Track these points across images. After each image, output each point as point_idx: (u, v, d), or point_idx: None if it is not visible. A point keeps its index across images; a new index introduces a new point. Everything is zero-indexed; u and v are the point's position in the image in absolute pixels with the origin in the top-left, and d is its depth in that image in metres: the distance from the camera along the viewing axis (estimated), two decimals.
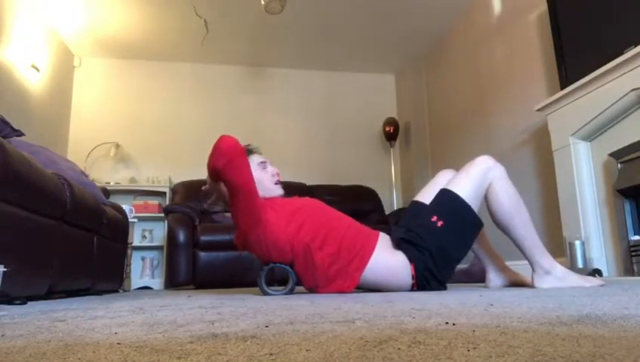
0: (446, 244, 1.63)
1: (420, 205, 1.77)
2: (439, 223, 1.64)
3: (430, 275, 1.63)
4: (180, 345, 0.53)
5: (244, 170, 1.58)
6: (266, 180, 1.80)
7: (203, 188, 1.82)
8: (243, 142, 1.67)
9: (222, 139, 1.57)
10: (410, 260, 1.64)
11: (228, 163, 1.54)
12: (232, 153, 1.55)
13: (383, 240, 1.73)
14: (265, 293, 1.70)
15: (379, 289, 1.72)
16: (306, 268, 1.68)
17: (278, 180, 1.85)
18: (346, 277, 1.66)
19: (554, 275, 1.60)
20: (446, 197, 1.68)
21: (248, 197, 1.61)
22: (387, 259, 1.67)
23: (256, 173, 1.76)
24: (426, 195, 1.77)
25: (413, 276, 1.64)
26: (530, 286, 1.67)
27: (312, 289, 1.76)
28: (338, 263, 1.65)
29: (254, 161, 1.82)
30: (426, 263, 1.62)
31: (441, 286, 1.68)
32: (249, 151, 1.85)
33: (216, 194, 1.78)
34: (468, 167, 1.71)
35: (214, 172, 1.60)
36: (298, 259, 1.68)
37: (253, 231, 1.66)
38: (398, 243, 1.69)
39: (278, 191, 1.83)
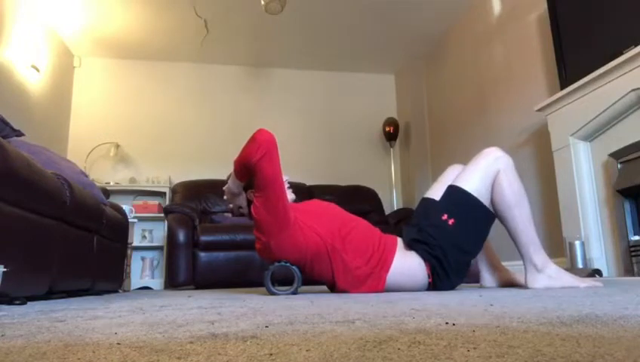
0: (459, 242, 1.63)
1: (429, 202, 1.75)
2: (450, 221, 1.63)
3: (445, 274, 1.63)
4: (179, 345, 0.53)
5: (278, 163, 1.61)
6: None
7: (225, 188, 1.81)
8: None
9: (260, 131, 1.59)
10: (425, 260, 1.65)
11: (265, 155, 1.56)
12: (271, 145, 1.57)
13: (400, 242, 1.75)
14: (271, 293, 1.70)
15: (399, 291, 1.72)
16: (330, 269, 1.68)
17: (289, 186, 1.86)
18: (374, 278, 1.67)
19: (546, 274, 1.58)
20: (454, 193, 1.67)
21: (279, 192, 1.62)
22: (405, 261, 1.68)
23: None
24: (437, 191, 1.75)
25: (429, 275, 1.65)
26: (522, 285, 1.67)
27: (333, 289, 1.77)
28: (368, 265, 1.66)
29: None
30: (440, 262, 1.63)
31: (455, 283, 1.68)
32: None
33: (239, 192, 1.77)
34: (476, 159, 1.70)
35: (248, 164, 1.60)
36: (320, 260, 1.68)
37: (278, 234, 1.64)
38: (411, 244, 1.69)
39: (289, 196, 1.83)
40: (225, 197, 1.83)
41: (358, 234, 1.72)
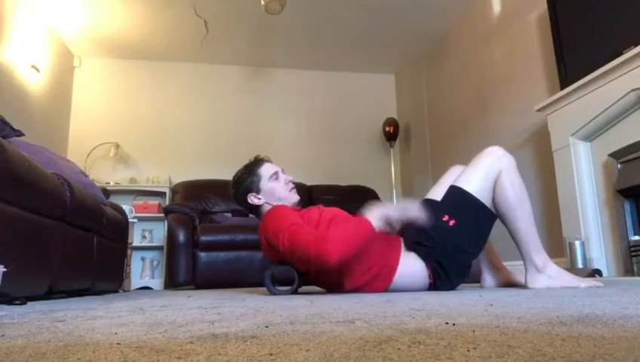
0: (460, 243, 1.62)
1: (431, 203, 1.75)
2: (451, 222, 1.63)
3: (446, 275, 1.63)
4: (179, 345, 0.53)
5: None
6: (280, 189, 1.80)
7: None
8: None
9: (334, 257, 1.47)
10: (426, 261, 1.64)
11: (315, 264, 1.53)
12: (324, 264, 1.50)
13: (402, 243, 1.74)
14: (271, 293, 1.70)
15: (401, 291, 1.72)
16: (337, 273, 1.67)
17: (293, 187, 1.84)
18: (380, 280, 1.67)
19: (546, 274, 1.58)
20: (456, 194, 1.67)
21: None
22: (407, 262, 1.67)
23: (270, 183, 1.78)
24: (438, 192, 1.75)
25: (429, 275, 1.65)
26: (522, 285, 1.67)
27: (332, 290, 1.77)
28: (374, 269, 1.66)
29: (266, 173, 1.81)
30: (440, 263, 1.62)
31: (456, 284, 1.68)
32: (259, 161, 1.85)
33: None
34: (477, 158, 1.69)
35: (318, 262, 1.51)
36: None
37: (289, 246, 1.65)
38: (411, 245, 1.69)
39: (294, 197, 1.82)
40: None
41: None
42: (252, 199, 1.79)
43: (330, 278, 1.70)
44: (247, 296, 1.70)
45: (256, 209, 1.82)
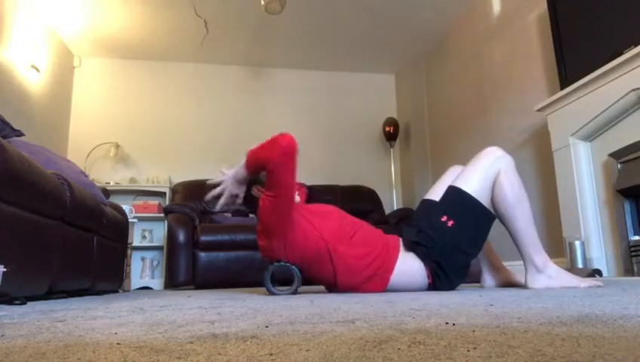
0: (458, 244, 1.63)
1: (430, 203, 1.75)
2: (450, 223, 1.63)
3: (445, 275, 1.63)
4: (179, 345, 0.53)
5: (295, 171, 1.63)
6: None
7: (229, 174, 1.74)
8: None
9: (286, 136, 1.59)
10: (424, 261, 1.65)
11: (285, 163, 1.57)
12: (293, 152, 1.58)
13: (401, 243, 1.75)
14: (271, 293, 1.70)
15: (400, 291, 1.72)
16: (333, 271, 1.68)
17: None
18: (377, 280, 1.67)
19: (547, 274, 1.59)
20: (454, 194, 1.67)
21: (289, 198, 1.64)
22: (406, 262, 1.67)
23: None
24: (437, 192, 1.75)
25: (428, 276, 1.65)
26: (522, 285, 1.67)
27: (332, 289, 1.77)
28: (371, 267, 1.66)
29: None
30: (439, 264, 1.63)
31: (456, 284, 1.68)
32: None
33: (235, 190, 1.73)
34: (476, 159, 1.70)
35: (265, 167, 1.60)
36: (323, 262, 1.68)
37: (282, 236, 1.66)
38: (410, 245, 1.69)
39: (295, 198, 1.83)
40: (221, 183, 1.75)
41: (361, 237, 1.72)
42: (255, 192, 1.80)
43: (327, 275, 1.70)
44: (247, 296, 1.70)
45: (256, 206, 1.83)
